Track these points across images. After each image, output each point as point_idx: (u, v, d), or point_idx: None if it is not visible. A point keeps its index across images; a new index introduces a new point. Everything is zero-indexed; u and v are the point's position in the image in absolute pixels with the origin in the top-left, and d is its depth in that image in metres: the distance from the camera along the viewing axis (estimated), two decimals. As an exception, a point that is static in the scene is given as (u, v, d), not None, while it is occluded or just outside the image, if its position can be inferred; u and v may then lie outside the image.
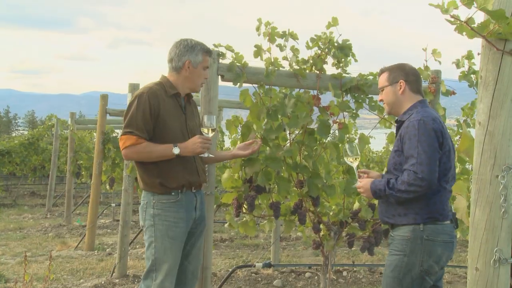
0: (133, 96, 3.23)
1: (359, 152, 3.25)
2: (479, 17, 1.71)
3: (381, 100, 3.11)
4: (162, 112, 3.19)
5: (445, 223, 2.81)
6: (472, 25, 1.69)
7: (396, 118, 3.05)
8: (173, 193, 3.21)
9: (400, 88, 2.98)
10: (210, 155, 3.36)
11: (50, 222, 10.16)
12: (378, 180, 2.90)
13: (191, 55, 3.27)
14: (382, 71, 3.09)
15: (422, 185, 2.67)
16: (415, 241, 2.78)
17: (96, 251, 7.44)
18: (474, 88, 4.21)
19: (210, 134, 3.27)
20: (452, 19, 1.71)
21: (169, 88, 3.27)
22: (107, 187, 8.33)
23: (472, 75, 4.27)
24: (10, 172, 14.83)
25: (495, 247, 1.66)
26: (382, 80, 3.06)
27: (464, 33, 1.73)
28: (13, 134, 30.46)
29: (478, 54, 1.78)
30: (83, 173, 10.10)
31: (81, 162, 10.01)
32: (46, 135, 13.83)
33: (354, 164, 3.24)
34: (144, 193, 3.28)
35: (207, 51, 3.33)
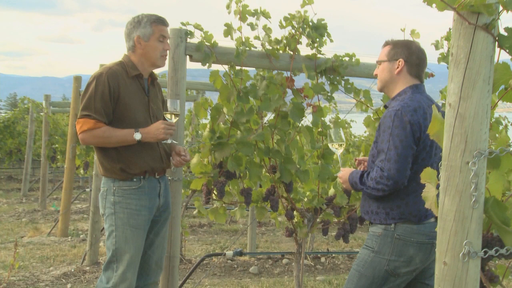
0: (91, 77, 3.03)
1: (344, 138, 3.09)
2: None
3: (375, 75, 2.81)
4: (122, 94, 2.99)
5: (423, 223, 2.56)
6: (443, -4, 1.53)
7: (385, 104, 2.83)
8: (134, 179, 3.04)
9: (398, 67, 2.67)
10: (174, 142, 3.18)
11: (25, 207, 9.92)
12: (356, 172, 2.69)
13: (138, 29, 3.09)
14: (386, 43, 2.77)
15: (388, 184, 2.47)
16: (385, 239, 2.58)
17: (69, 237, 7.26)
18: (453, 70, 4.06)
19: (174, 120, 3.09)
20: (421, -10, 1.55)
21: (130, 69, 3.08)
22: (82, 171, 8.11)
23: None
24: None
25: (464, 239, 1.52)
26: (382, 53, 2.75)
27: (434, 5, 1.57)
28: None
29: (450, 29, 1.61)
30: (58, 157, 9.84)
31: (57, 146, 9.76)
32: (23, 118, 13.47)
33: (339, 151, 3.08)
34: (104, 180, 3.10)
35: (155, 20, 3.11)
